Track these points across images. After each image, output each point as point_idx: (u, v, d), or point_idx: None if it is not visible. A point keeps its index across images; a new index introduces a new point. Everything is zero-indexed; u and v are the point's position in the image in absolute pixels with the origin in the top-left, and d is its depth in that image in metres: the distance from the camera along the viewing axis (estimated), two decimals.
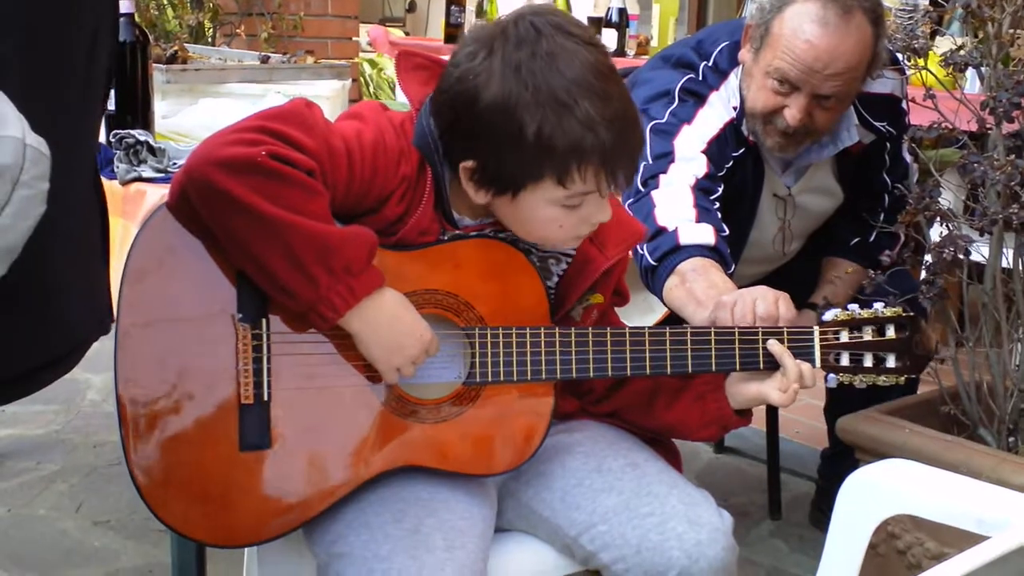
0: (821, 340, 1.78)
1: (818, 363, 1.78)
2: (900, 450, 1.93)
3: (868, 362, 1.80)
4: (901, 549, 1.94)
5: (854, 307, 1.81)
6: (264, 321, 1.56)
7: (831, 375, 1.79)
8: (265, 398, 1.56)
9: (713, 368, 1.73)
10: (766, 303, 1.82)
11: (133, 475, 1.53)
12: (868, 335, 1.79)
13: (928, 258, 2.02)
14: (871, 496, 1.58)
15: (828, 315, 1.80)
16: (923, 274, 2.04)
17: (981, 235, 2.01)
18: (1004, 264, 2.02)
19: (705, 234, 2.16)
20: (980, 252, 2.03)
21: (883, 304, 1.81)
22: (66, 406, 3.64)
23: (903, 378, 1.82)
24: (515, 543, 1.75)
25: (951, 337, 2.05)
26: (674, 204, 2.20)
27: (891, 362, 1.81)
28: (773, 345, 1.74)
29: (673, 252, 2.14)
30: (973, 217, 1.99)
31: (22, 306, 1.38)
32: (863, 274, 2.28)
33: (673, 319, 2.20)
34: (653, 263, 2.16)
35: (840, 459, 2.61)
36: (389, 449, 1.61)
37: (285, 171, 1.47)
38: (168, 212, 1.54)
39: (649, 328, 1.73)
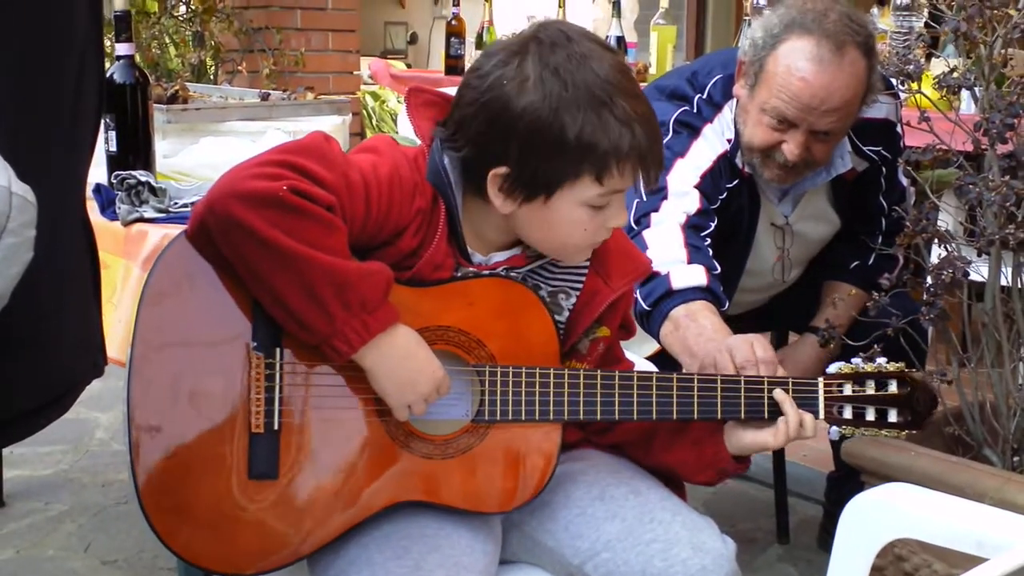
0: (825, 392, 1.78)
1: (822, 415, 1.79)
2: (905, 472, 1.92)
3: (870, 416, 1.81)
4: (908, 572, 1.93)
5: (857, 361, 1.82)
6: (278, 351, 1.57)
7: (833, 427, 1.80)
8: (276, 427, 1.57)
9: (719, 415, 1.74)
10: (742, 352, 1.83)
11: (140, 499, 1.54)
12: (871, 389, 1.80)
13: (929, 279, 2.03)
14: (872, 520, 1.58)
15: (832, 368, 1.81)
16: (925, 295, 2.05)
17: (979, 255, 2.02)
18: (1004, 283, 2.03)
19: (697, 275, 2.17)
20: (979, 272, 2.03)
21: (886, 359, 1.82)
22: (74, 445, 3.65)
23: (904, 433, 1.82)
24: (520, 575, 1.75)
25: (953, 358, 2.05)
26: (665, 245, 2.20)
27: (893, 416, 1.81)
28: (778, 393, 1.75)
29: (666, 297, 2.15)
30: (972, 238, 1.99)
31: (13, 350, 1.39)
32: (864, 297, 2.28)
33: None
34: (647, 308, 2.16)
35: (847, 482, 2.60)
36: (395, 484, 1.62)
37: (305, 206, 1.48)
38: (187, 241, 1.56)
39: (656, 373, 1.74)
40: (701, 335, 2.05)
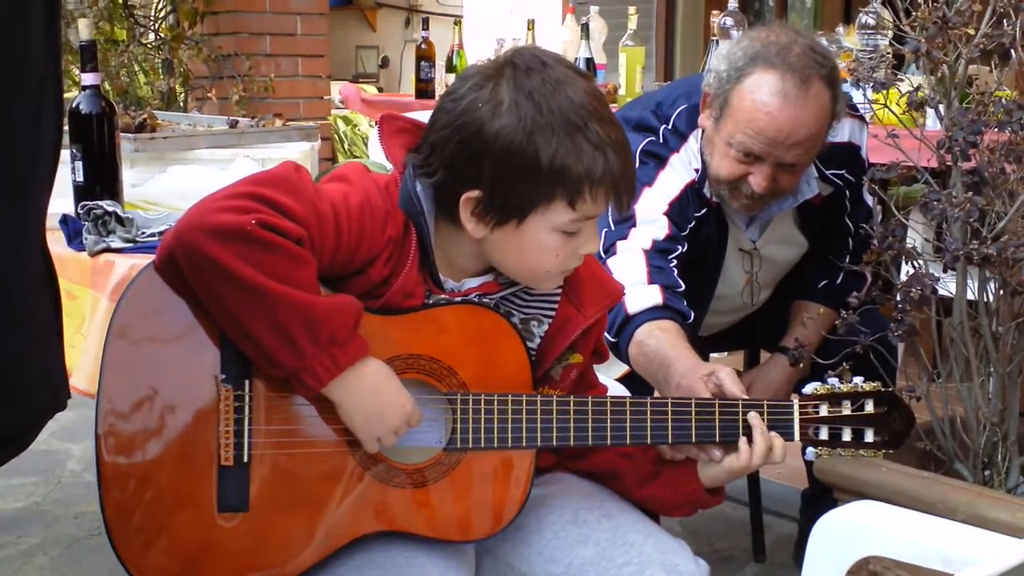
0: (800, 413, 1.77)
1: (797, 436, 1.77)
2: (877, 488, 1.93)
3: (847, 436, 1.79)
4: None
5: (834, 381, 1.80)
6: (247, 383, 1.57)
7: (809, 448, 1.78)
8: (245, 460, 1.56)
9: (693, 439, 1.72)
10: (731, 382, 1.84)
11: (110, 532, 1.53)
12: (847, 409, 1.79)
13: (898, 296, 2.04)
14: (841, 539, 1.59)
15: (808, 388, 1.80)
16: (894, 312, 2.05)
17: (945, 271, 2.03)
18: (972, 297, 2.04)
19: (651, 296, 2.18)
20: (947, 288, 2.04)
21: (863, 379, 1.81)
22: (46, 477, 3.61)
23: (882, 453, 1.81)
24: None
25: (923, 373, 2.06)
26: (628, 271, 2.20)
27: (869, 437, 1.79)
28: (752, 417, 1.74)
29: (625, 324, 2.16)
30: (938, 253, 2.01)
31: None
32: (833, 316, 2.29)
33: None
34: (612, 339, 2.17)
35: (820, 499, 2.61)
36: (367, 514, 1.61)
37: (274, 240, 1.48)
38: (155, 272, 1.55)
39: (630, 398, 1.73)
40: (653, 362, 2.07)
